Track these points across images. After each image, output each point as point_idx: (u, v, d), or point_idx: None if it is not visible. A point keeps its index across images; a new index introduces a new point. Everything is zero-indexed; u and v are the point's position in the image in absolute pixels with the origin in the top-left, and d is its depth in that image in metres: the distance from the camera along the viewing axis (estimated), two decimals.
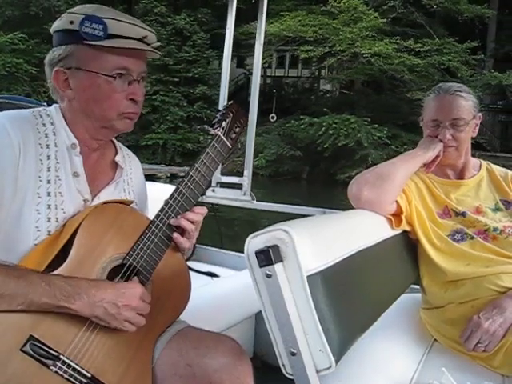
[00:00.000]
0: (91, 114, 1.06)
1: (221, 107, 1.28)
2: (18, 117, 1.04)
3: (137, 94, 1.06)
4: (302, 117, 17.92)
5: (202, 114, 21.31)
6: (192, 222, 1.09)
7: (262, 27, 2.40)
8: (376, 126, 16.96)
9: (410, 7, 18.40)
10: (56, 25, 1.05)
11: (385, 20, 17.68)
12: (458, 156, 1.48)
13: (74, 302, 0.91)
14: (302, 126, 17.58)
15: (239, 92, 19.77)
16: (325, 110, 18.09)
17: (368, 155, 16.42)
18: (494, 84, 17.14)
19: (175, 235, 1.08)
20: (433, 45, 17.83)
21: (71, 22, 1.01)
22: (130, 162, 1.24)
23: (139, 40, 1.04)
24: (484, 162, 1.58)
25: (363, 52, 17.64)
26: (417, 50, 17.44)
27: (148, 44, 1.06)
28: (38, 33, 20.49)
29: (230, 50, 2.51)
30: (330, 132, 17.00)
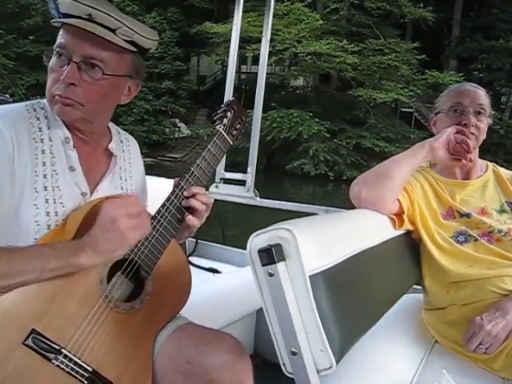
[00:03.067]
0: None
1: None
2: (10, 111, 1.02)
3: (66, 76, 0.97)
4: (248, 110, 18.35)
5: (168, 107, 22.25)
6: (203, 203, 1.11)
7: (268, 24, 2.38)
8: (317, 120, 18.03)
9: (353, 10, 19.43)
10: None
11: (323, 22, 18.78)
12: (475, 146, 1.44)
13: (80, 254, 0.92)
14: (248, 119, 18.18)
15: (217, 87, 20.43)
16: (273, 104, 18.82)
17: (310, 147, 17.52)
18: (431, 83, 18.04)
19: (187, 217, 1.10)
20: (374, 45, 18.87)
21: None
22: (128, 146, 1.23)
23: (86, 19, 0.97)
24: (490, 164, 1.56)
25: (298, 52, 18.69)
26: (352, 49, 18.38)
27: (99, 24, 0.98)
28: (16, 28, 20.90)
29: (237, 46, 2.48)
30: (274, 125, 18.02)
